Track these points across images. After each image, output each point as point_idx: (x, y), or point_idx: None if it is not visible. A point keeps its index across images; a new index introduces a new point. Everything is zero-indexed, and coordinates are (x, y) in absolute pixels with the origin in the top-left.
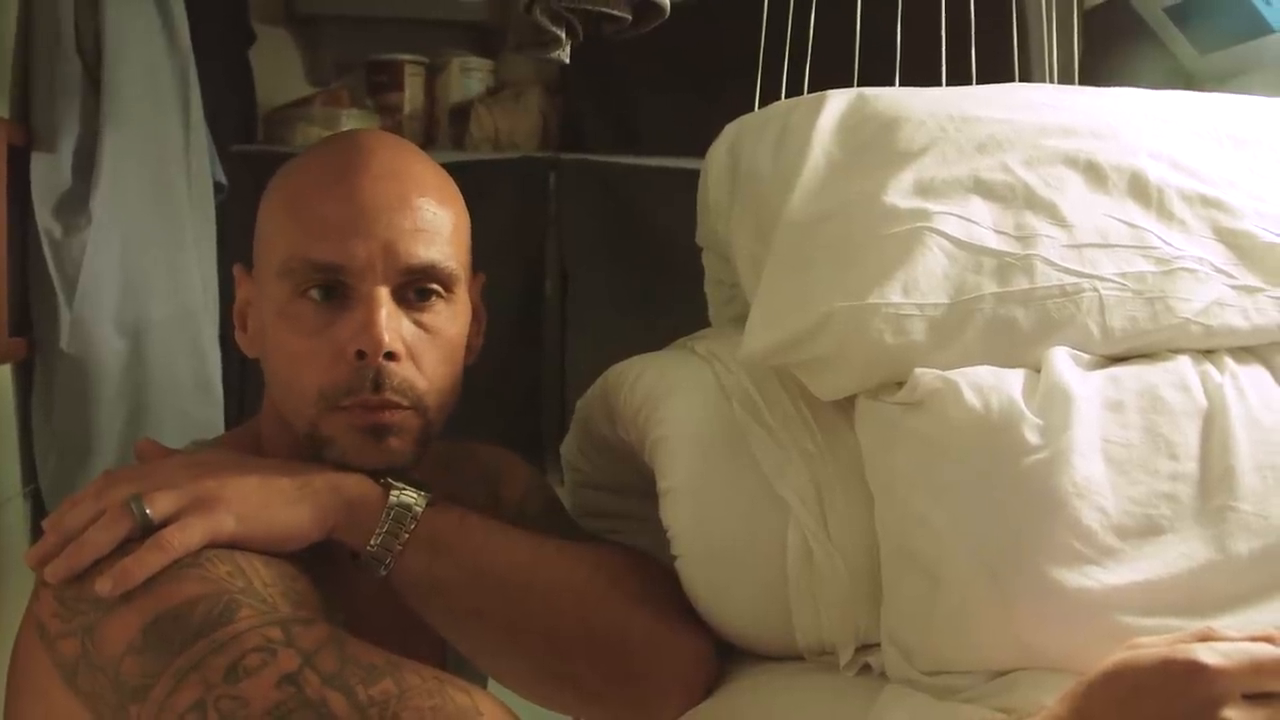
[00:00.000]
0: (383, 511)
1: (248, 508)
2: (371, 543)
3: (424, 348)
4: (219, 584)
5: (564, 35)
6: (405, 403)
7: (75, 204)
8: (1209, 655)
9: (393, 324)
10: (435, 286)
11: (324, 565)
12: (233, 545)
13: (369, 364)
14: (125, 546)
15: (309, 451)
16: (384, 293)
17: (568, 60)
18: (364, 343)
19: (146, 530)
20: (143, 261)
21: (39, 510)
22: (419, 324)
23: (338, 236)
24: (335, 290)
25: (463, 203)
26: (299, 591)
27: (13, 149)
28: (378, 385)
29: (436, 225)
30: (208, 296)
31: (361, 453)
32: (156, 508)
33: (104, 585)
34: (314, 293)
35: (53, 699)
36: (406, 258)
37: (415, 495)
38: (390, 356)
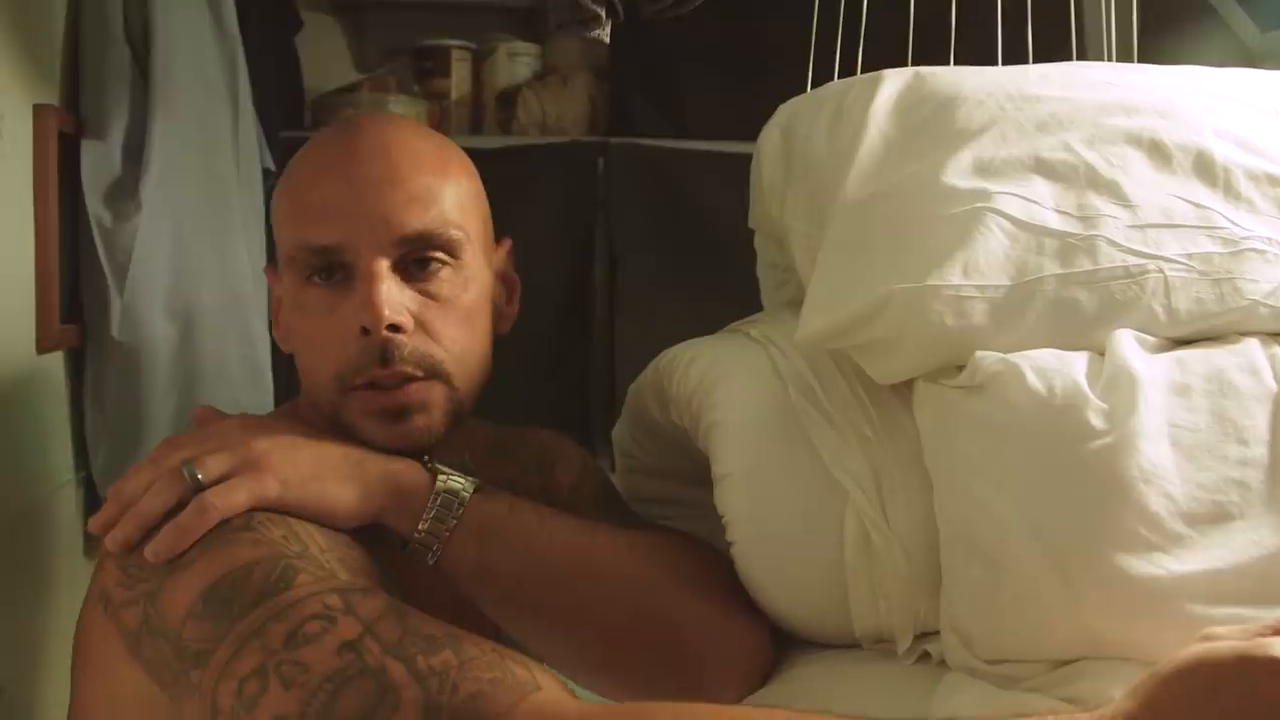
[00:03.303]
0: (429, 497)
1: (295, 474)
2: (419, 528)
3: (433, 316)
4: (274, 547)
5: (604, 14)
6: (420, 373)
7: (125, 191)
8: None
9: (394, 296)
10: (437, 254)
11: (377, 552)
12: (279, 511)
13: (374, 339)
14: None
15: (344, 438)
16: (383, 266)
17: (606, 39)
18: (365, 318)
19: (199, 494)
20: (193, 248)
21: (91, 496)
22: (425, 293)
23: (331, 217)
24: (338, 272)
25: (470, 171)
26: (355, 559)
27: (63, 136)
28: (385, 359)
29: (431, 194)
30: (257, 283)
31: (385, 434)
32: (208, 471)
33: (149, 551)
34: (317, 277)
35: (116, 673)
36: (400, 228)
37: (463, 481)
38: (396, 329)
